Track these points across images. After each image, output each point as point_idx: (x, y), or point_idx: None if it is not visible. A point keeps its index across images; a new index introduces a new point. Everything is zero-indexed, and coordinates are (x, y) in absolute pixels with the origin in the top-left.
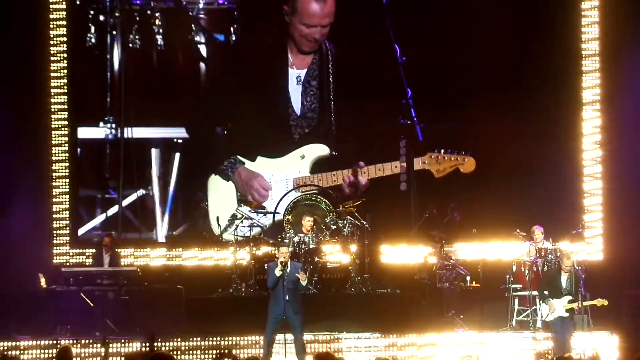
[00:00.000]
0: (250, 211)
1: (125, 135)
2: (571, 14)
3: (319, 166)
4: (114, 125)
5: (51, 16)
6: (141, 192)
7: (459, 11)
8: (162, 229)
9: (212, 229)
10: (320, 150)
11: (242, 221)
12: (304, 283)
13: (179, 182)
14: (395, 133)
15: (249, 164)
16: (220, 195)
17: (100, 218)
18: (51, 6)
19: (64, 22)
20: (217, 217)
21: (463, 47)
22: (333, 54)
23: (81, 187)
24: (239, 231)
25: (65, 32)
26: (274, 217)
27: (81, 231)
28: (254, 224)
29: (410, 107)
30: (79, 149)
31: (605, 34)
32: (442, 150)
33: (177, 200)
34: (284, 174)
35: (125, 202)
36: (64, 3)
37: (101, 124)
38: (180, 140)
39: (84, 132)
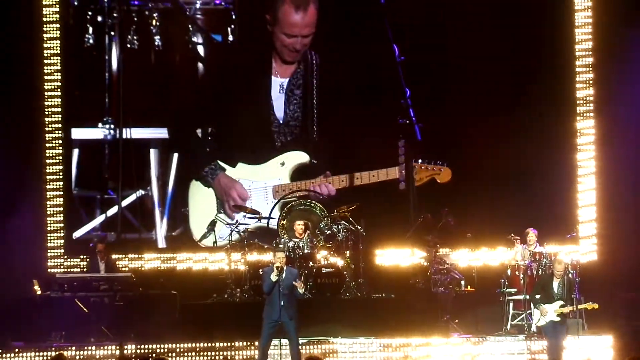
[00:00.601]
0: (244, 216)
1: (124, 136)
2: (565, 15)
3: (298, 174)
4: (112, 126)
5: (44, 19)
6: (140, 192)
7: (450, 9)
8: (161, 229)
9: (192, 234)
10: (300, 157)
11: (236, 226)
12: (301, 291)
13: (177, 183)
14: (380, 142)
15: (229, 170)
16: (201, 201)
17: (100, 219)
18: (44, 9)
19: (57, 24)
20: (214, 221)
21: (458, 48)
22: (318, 64)
23: (80, 188)
24: (218, 237)
25: (58, 35)
26: (268, 222)
27: (80, 232)
28: (237, 228)
29: (409, 107)
30: (77, 150)
31: (599, 37)
32: (420, 160)
33: (175, 201)
34: (264, 181)
35: (124, 203)
36: (57, 6)
37: (100, 124)
38: None
39: (82, 133)
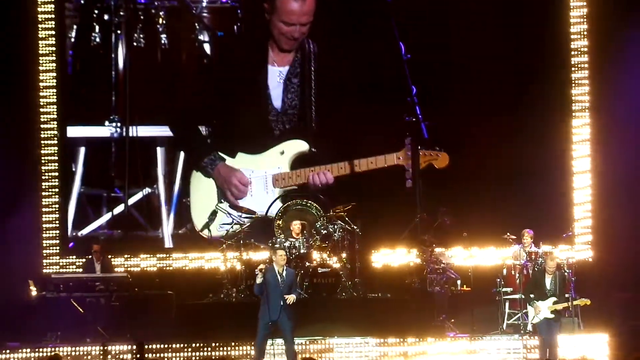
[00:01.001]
0: (239, 216)
1: (131, 134)
2: (562, 15)
3: (298, 162)
4: (119, 124)
5: (39, 16)
6: (147, 190)
7: (453, 9)
8: (167, 227)
9: (194, 225)
10: (299, 146)
11: (232, 225)
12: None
13: (183, 181)
14: (380, 138)
15: (229, 160)
16: (202, 192)
17: (106, 217)
18: (39, 7)
19: (51, 22)
20: (214, 211)
21: (461, 48)
22: (315, 53)
23: (87, 186)
24: (218, 227)
25: (53, 33)
26: (267, 213)
27: (87, 230)
28: (235, 222)
29: (416, 105)
30: (83, 148)
31: (594, 37)
32: (418, 146)
33: (182, 199)
34: (264, 170)
35: (131, 201)
36: (49, 5)
37: (106, 123)
38: None
39: (89, 131)
